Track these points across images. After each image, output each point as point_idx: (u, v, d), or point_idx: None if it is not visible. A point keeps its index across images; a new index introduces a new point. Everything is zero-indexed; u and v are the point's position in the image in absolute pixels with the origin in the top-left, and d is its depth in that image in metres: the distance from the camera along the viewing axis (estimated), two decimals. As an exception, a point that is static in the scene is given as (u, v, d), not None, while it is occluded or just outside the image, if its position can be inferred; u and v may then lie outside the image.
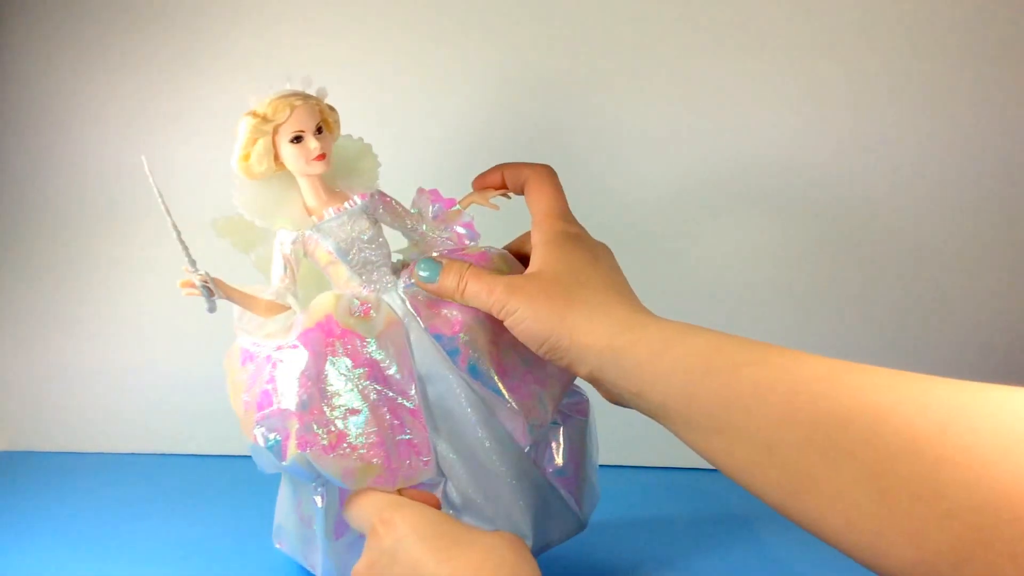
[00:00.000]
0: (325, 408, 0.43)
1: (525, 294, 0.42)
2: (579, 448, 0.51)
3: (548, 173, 0.48)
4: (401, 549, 0.36)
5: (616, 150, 0.72)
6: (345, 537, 0.48)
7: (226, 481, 0.69)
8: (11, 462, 0.74)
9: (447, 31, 0.72)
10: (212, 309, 0.44)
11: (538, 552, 0.48)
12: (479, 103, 0.72)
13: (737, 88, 0.70)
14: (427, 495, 0.42)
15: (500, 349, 0.47)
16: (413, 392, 0.45)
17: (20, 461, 0.75)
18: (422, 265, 0.45)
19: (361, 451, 0.43)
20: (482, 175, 0.50)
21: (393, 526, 0.37)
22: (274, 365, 0.44)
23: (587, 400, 0.53)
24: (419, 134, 0.72)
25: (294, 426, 0.43)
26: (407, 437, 0.45)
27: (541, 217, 0.46)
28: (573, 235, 0.45)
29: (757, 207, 0.72)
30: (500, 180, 0.49)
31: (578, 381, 0.49)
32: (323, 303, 0.45)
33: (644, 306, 0.43)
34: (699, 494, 0.66)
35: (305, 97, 0.44)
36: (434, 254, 0.48)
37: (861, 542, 0.30)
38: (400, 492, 0.42)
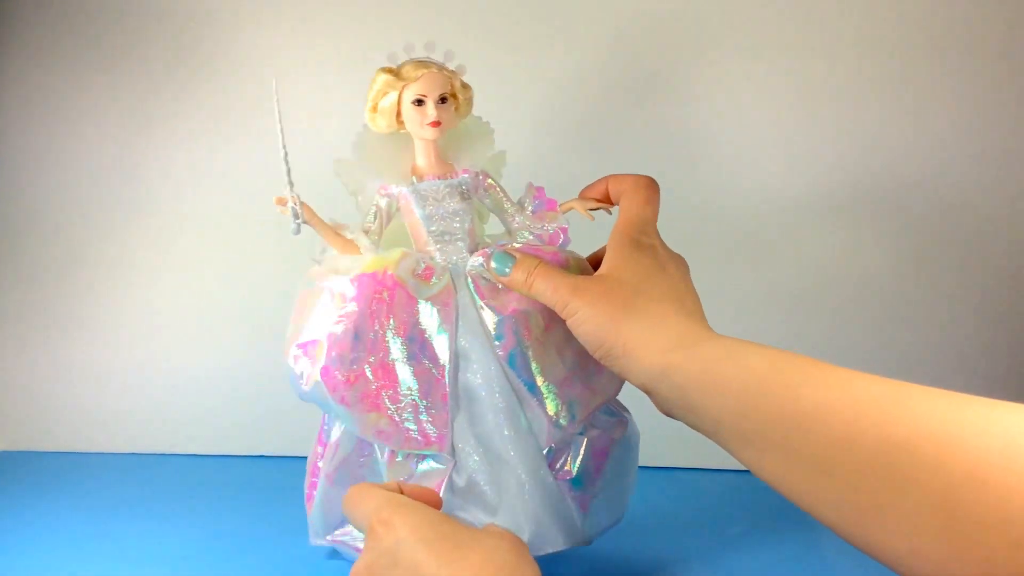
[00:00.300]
0: (355, 349, 0.46)
1: (589, 296, 0.43)
2: (600, 466, 0.50)
3: (645, 184, 0.48)
4: (401, 551, 0.36)
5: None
6: (340, 487, 0.49)
7: (226, 481, 0.69)
8: (11, 462, 0.74)
9: (446, 30, 0.72)
10: (296, 231, 0.47)
11: (534, 553, 0.48)
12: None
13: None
14: (428, 493, 0.42)
15: (544, 348, 0.48)
16: (444, 363, 0.47)
17: (20, 461, 0.75)
18: (496, 257, 0.47)
19: (375, 399, 0.45)
20: (590, 185, 0.51)
21: (392, 527, 0.37)
22: (327, 298, 0.47)
23: (626, 423, 0.52)
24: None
25: (321, 356, 0.46)
26: (425, 404, 0.46)
27: (620, 223, 0.47)
28: (646, 245, 0.45)
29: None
30: (605, 190, 0.50)
31: (631, 398, 0.50)
32: (389, 255, 0.48)
33: (706, 322, 0.43)
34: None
35: (440, 67, 0.48)
36: (515, 244, 0.49)
37: (926, 570, 0.30)
38: (401, 489, 0.42)
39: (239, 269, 0.75)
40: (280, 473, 0.71)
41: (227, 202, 0.75)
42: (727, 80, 0.70)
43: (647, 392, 0.42)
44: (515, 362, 0.47)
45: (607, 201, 0.50)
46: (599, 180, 0.50)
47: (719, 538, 0.58)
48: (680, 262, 0.46)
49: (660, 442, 0.59)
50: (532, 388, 0.47)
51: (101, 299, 0.76)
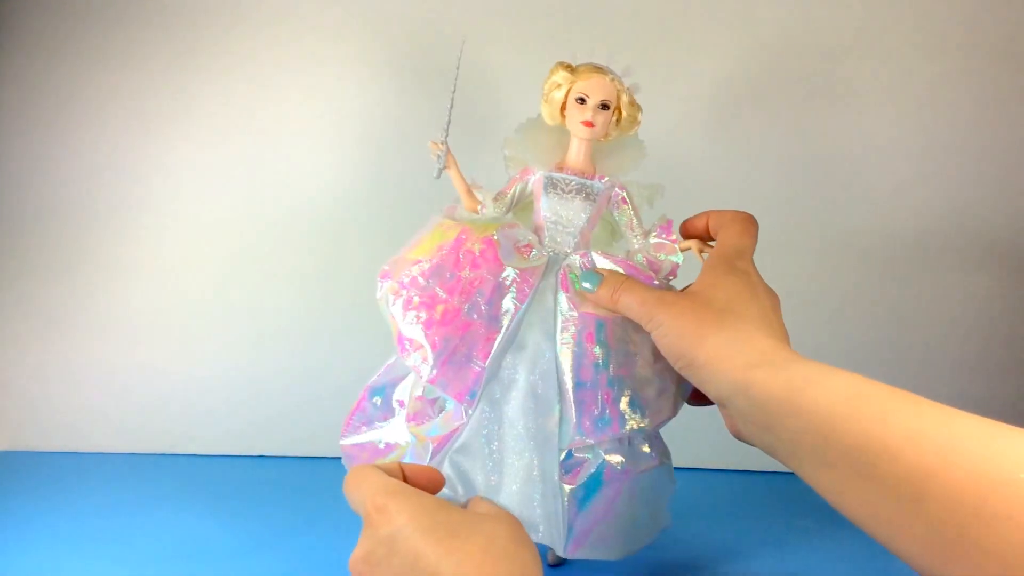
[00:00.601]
0: (430, 277, 0.48)
1: (675, 309, 0.44)
2: (610, 493, 0.49)
3: (743, 218, 0.49)
4: (399, 540, 0.35)
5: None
6: (374, 395, 0.52)
7: (226, 481, 0.69)
8: (11, 462, 0.74)
9: (444, 28, 0.72)
10: (437, 176, 0.51)
11: None
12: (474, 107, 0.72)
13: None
14: (429, 472, 0.42)
15: (601, 357, 0.48)
16: (499, 329, 0.48)
17: (20, 461, 0.74)
18: (585, 276, 0.48)
19: (423, 328, 0.47)
20: (690, 219, 0.51)
21: (389, 514, 0.36)
22: (432, 234, 0.51)
23: (658, 462, 0.51)
24: (416, 133, 0.72)
25: (399, 273, 0.49)
26: (463, 355, 0.47)
27: (716, 249, 0.48)
28: (740, 270, 0.46)
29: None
30: (705, 224, 0.50)
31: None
32: (500, 219, 0.51)
33: (791, 347, 0.43)
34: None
35: (613, 77, 0.50)
36: (612, 267, 0.49)
37: None
38: (402, 468, 0.41)
39: (239, 269, 0.75)
40: (280, 473, 0.71)
41: (227, 202, 0.75)
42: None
43: (723, 405, 0.42)
44: (570, 358, 0.48)
45: (707, 234, 0.51)
46: (700, 214, 0.51)
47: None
48: (772, 295, 0.47)
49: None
50: (579, 387, 0.48)
51: (101, 299, 0.75)
